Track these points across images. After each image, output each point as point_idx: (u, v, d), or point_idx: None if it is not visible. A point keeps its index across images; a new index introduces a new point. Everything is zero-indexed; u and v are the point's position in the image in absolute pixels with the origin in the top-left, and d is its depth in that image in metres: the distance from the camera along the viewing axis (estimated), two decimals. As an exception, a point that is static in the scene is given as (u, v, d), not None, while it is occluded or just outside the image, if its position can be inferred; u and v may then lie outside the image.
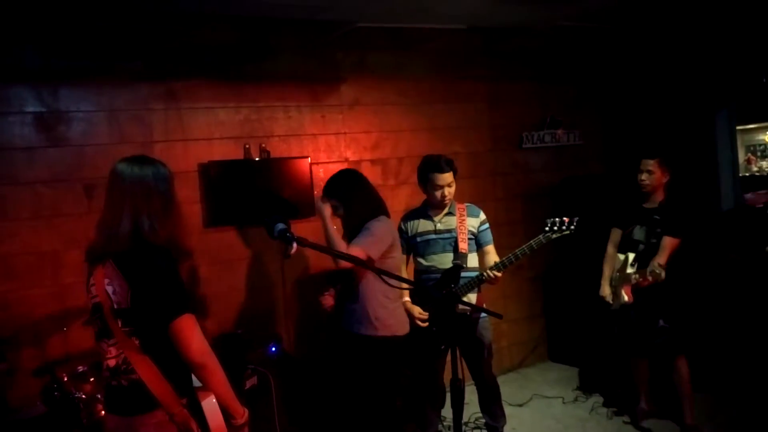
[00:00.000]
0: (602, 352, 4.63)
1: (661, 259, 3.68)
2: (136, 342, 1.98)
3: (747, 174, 5.97)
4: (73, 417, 2.81)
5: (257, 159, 4.15)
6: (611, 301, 3.94)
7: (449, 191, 3.53)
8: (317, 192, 4.33)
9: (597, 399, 4.47)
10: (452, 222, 3.60)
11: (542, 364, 5.37)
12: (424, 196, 3.69)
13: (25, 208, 3.57)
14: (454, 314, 3.29)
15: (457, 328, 3.44)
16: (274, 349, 3.74)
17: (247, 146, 4.13)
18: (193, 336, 1.95)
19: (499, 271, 3.38)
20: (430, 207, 3.66)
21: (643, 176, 3.83)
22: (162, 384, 1.96)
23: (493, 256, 3.60)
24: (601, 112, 5.64)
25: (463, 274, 3.43)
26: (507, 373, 5.15)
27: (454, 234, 3.56)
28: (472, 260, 3.59)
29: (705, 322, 4.41)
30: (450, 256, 3.54)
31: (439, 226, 3.61)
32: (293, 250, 2.26)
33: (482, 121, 5.08)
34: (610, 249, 4.07)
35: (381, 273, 2.50)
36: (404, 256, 3.65)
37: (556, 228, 3.37)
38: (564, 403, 4.50)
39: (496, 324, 5.02)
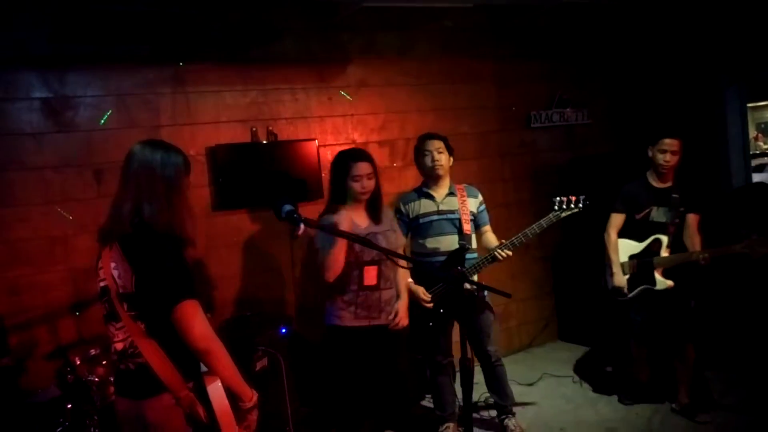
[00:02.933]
0: (614, 336, 4.54)
1: (698, 237, 3.71)
2: (142, 326, 1.98)
3: (757, 152, 5.93)
4: (87, 399, 2.85)
5: (264, 142, 4.14)
6: (627, 291, 3.82)
7: (438, 156, 3.58)
8: (325, 174, 4.33)
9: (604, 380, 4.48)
10: (454, 203, 3.61)
11: (552, 344, 5.38)
12: None
13: (35, 193, 3.59)
14: (463, 294, 3.32)
15: (466, 308, 3.47)
16: (284, 330, 3.76)
17: (254, 129, 4.12)
18: (195, 322, 1.94)
19: (510, 250, 3.39)
20: (428, 184, 3.67)
21: (668, 157, 3.66)
22: (168, 368, 1.97)
23: (491, 236, 3.64)
24: (610, 90, 5.58)
25: (468, 256, 3.48)
26: (516, 353, 5.17)
27: (457, 215, 3.56)
28: (474, 241, 3.62)
29: (718, 300, 4.40)
30: (452, 237, 3.55)
31: (441, 206, 3.61)
32: (301, 231, 2.26)
33: (490, 101, 5.05)
34: (613, 235, 3.90)
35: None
36: (404, 239, 3.63)
37: (564, 206, 3.37)
38: (574, 382, 4.51)
39: (505, 304, 5.06)
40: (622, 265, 3.88)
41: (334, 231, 2.74)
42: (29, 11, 3.51)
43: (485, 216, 3.70)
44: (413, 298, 3.45)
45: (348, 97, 4.43)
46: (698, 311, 3.83)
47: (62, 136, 3.65)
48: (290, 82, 4.27)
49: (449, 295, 3.45)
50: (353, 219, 3.13)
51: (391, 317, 3.25)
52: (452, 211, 3.58)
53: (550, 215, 3.39)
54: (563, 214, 3.37)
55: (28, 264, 3.55)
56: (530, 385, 4.51)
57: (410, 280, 3.50)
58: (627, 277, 3.85)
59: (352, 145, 4.49)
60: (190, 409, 1.97)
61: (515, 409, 3.82)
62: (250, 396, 2.08)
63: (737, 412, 3.80)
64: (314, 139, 4.28)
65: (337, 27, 4.38)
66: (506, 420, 3.75)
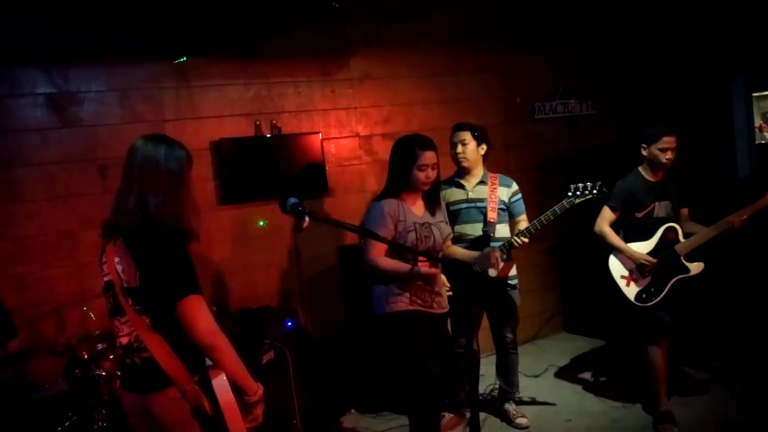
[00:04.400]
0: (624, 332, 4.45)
1: (695, 224, 3.67)
2: (147, 320, 1.98)
3: (763, 142, 5.89)
4: (94, 394, 2.86)
5: (268, 135, 4.14)
6: (654, 263, 3.54)
7: (462, 148, 3.63)
8: (329, 167, 4.33)
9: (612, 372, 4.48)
10: (484, 191, 3.66)
11: (557, 335, 5.39)
12: (443, 167, 3.73)
13: (41, 189, 3.60)
14: (482, 280, 3.35)
15: (487, 293, 3.55)
16: (290, 324, 3.77)
17: (257, 123, 4.12)
18: (199, 317, 1.94)
19: (525, 237, 3.43)
20: (460, 173, 3.74)
21: (669, 155, 3.54)
22: (173, 361, 1.97)
23: (523, 225, 3.65)
24: (615, 81, 5.55)
25: (491, 243, 3.49)
26: (522, 345, 5.14)
27: (484, 203, 3.61)
28: (501, 230, 3.63)
29: (721, 288, 4.39)
30: (480, 225, 3.59)
31: (471, 195, 3.67)
32: (306, 224, 2.25)
33: (494, 93, 5.04)
34: (607, 228, 3.69)
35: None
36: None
37: (579, 193, 3.35)
38: (578, 373, 4.51)
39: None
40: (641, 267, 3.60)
41: (328, 220, 2.61)
42: (31, 7, 3.50)
43: (519, 205, 3.74)
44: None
45: (349, 90, 4.42)
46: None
47: (67, 131, 3.66)
48: (293, 76, 4.26)
49: (466, 284, 3.44)
50: (410, 207, 3.06)
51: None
52: (481, 200, 3.64)
53: (564, 201, 3.41)
54: (577, 200, 3.37)
55: (35, 260, 3.56)
56: (536, 376, 4.52)
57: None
58: (648, 279, 3.59)
59: (356, 139, 4.49)
60: (196, 402, 1.97)
61: (521, 399, 3.84)
62: (255, 390, 2.08)
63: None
64: (318, 133, 4.28)
65: (340, 19, 4.36)
66: (507, 405, 3.83)
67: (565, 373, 4.54)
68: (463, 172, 3.72)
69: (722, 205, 3.78)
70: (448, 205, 3.65)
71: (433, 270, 2.99)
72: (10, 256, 3.50)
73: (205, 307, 1.97)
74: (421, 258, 2.98)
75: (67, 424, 2.82)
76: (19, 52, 3.52)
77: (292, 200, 2.32)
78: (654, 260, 3.55)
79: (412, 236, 2.98)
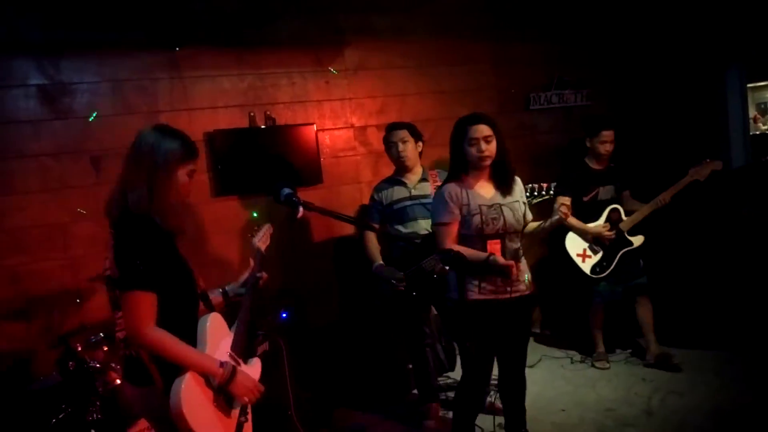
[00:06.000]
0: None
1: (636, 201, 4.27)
2: None
3: (757, 132, 5.90)
4: (89, 385, 2.86)
5: (263, 127, 4.12)
6: (611, 234, 4.15)
7: (403, 146, 3.67)
8: (323, 159, 4.32)
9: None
10: (427, 188, 3.68)
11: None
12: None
13: (33, 181, 3.58)
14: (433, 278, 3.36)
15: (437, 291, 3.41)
16: (285, 315, 3.77)
17: (252, 114, 4.10)
18: (132, 314, 1.90)
19: None
20: (400, 172, 3.76)
21: (608, 146, 4.18)
22: (149, 362, 1.96)
23: None
24: (610, 71, 5.53)
25: None
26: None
27: (429, 199, 3.57)
28: None
29: (716, 275, 4.45)
30: (427, 222, 3.56)
31: (414, 192, 3.69)
32: (300, 214, 2.25)
33: (488, 83, 5.02)
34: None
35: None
36: (376, 225, 3.75)
37: (536, 193, 3.26)
38: (572, 362, 4.53)
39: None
40: (595, 246, 4.23)
41: (320, 210, 2.51)
42: (23, -3, 3.48)
43: None
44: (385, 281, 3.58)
45: (333, 72, 4.38)
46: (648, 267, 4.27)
47: (59, 123, 3.64)
48: (286, 66, 4.24)
49: (420, 279, 3.48)
50: (476, 189, 2.97)
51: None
52: (425, 196, 3.64)
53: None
54: (534, 201, 3.30)
55: (27, 252, 3.55)
56: (530, 367, 4.52)
57: (381, 262, 3.66)
58: (600, 255, 4.21)
59: (351, 130, 4.48)
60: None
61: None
62: (215, 373, 2.00)
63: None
64: (312, 124, 4.26)
65: (333, 8, 4.34)
66: (489, 397, 3.80)
67: (558, 363, 4.56)
68: (403, 170, 3.75)
69: (717, 195, 3.83)
70: (391, 203, 3.68)
71: (510, 262, 2.85)
72: (2, 247, 3.49)
73: (146, 306, 1.91)
74: (494, 241, 2.92)
75: (61, 416, 2.81)
76: (9, 42, 3.49)
77: (287, 191, 2.31)
78: (611, 233, 4.16)
79: (476, 219, 2.91)
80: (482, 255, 2.89)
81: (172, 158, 2.02)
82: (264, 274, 2.60)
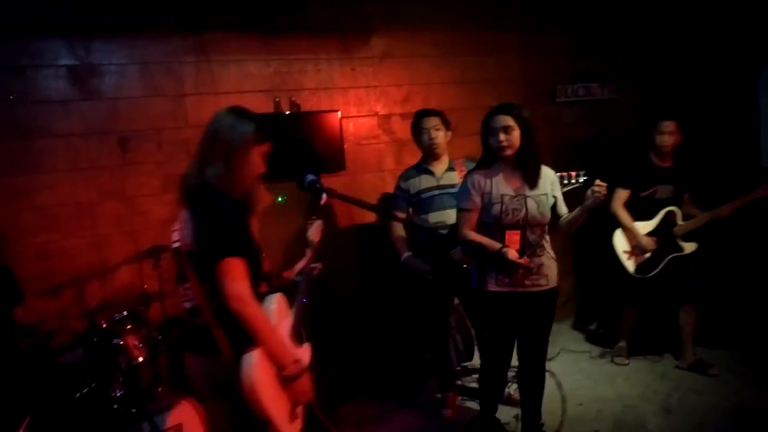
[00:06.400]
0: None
1: (696, 207, 4.07)
2: (206, 288, 2.04)
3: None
4: (112, 361, 2.91)
5: (287, 113, 4.14)
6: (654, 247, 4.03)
7: (435, 133, 3.63)
8: (347, 146, 4.33)
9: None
10: (454, 177, 3.65)
11: (570, 320, 5.37)
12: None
13: (62, 160, 3.64)
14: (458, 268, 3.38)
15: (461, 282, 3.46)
16: (304, 300, 3.79)
17: (277, 100, 4.12)
18: (230, 280, 1.94)
19: None
20: (427, 160, 3.72)
21: (665, 138, 3.95)
22: (219, 331, 2.02)
23: None
24: (638, 65, 5.46)
25: None
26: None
27: (456, 189, 3.52)
28: None
29: (744, 274, 4.42)
30: (454, 211, 3.52)
31: (441, 181, 3.66)
32: (323, 201, 2.27)
33: (515, 74, 4.98)
34: (619, 207, 4.10)
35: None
36: (402, 214, 3.72)
37: (566, 182, 3.26)
38: (591, 357, 4.51)
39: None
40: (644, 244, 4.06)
41: (343, 197, 2.52)
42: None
43: None
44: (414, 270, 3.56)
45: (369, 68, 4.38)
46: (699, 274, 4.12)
47: (88, 103, 3.69)
48: (314, 53, 4.24)
49: (447, 269, 3.49)
50: (503, 179, 2.97)
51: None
52: (452, 186, 3.61)
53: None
54: (565, 189, 3.28)
55: (55, 230, 3.61)
56: (548, 360, 4.51)
57: (410, 253, 3.64)
58: (648, 255, 4.05)
59: (375, 117, 4.48)
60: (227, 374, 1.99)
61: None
62: (287, 364, 2.06)
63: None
64: (337, 111, 4.27)
65: (362, -4, 4.33)
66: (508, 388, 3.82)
67: (576, 357, 4.54)
68: (431, 158, 3.70)
69: (744, 192, 3.77)
70: (419, 192, 3.65)
71: (522, 260, 2.85)
72: (31, 225, 3.55)
73: (240, 272, 1.97)
74: (513, 232, 2.93)
75: (85, 390, 2.87)
76: (42, 23, 3.54)
77: (310, 177, 2.33)
78: (654, 245, 4.02)
79: (496, 208, 2.93)
80: (496, 246, 2.91)
81: (248, 140, 2.11)
82: (319, 265, 2.76)
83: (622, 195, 4.11)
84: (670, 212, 4.04)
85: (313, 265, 2.69)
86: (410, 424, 3.74)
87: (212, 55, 3.96)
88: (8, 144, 3.50)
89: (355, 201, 2.69)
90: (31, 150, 3.56)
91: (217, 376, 2.05)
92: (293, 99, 4.16)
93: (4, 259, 3.33)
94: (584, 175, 3.17)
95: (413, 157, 3.94)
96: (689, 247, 4.02)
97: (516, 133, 2.90)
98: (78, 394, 2.86)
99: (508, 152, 2.92)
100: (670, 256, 4.03)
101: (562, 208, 3.08)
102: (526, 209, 2.93)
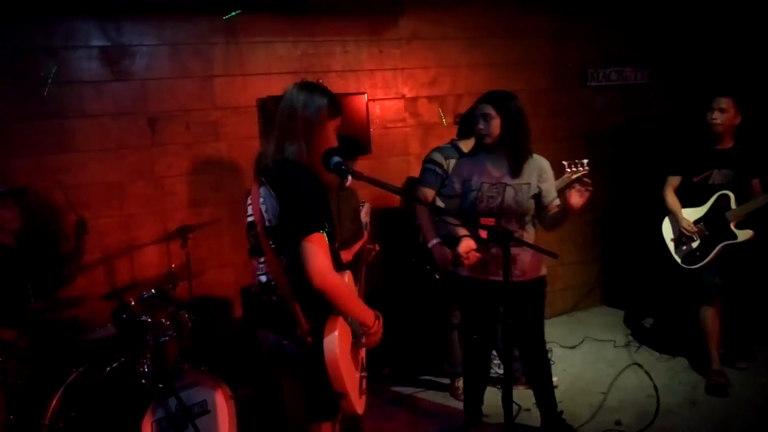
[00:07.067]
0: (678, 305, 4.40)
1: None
2: (284, 261, 2.07)
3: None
4: (140, 338, 2.98)
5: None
6: (696, 236, 3.72)
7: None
8: (373, 129, 4.32)
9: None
10: None
11: (596, 308, 5.33)
12: None
13: (93, 140, 3.70)
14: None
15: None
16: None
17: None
18: (313, 256, 1.94)
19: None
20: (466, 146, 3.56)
21: (715, 114, 3.61)
22: (295, 305, 2.05)
23: None
24: (672, 49, 5.31)
25: None
26: (560, 316, 5.14)
27: None
28: None
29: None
30: None
31: None
32: (348, 183, 2.26)
33: (545, 57, 4.90)
34: (670, 194, 3.86)
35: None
36: (432, 191, 3.49)
37: (572, 168, 3.17)
38: (615, 346, 4.46)
39: (551, 267, 4.99)
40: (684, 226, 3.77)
41: (369, 180, 2.55)
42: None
43: None
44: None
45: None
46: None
47: (119, 84, 3.74)
48: (341, 34, 4.23)
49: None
50: (489, 166, 2.98)
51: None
52: None
53: (564, 176, 3.21)
54: (574, 177, 3.19)
55: (87, 208, 3.67)
56: (572, 348, 4.49)
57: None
58: (697, 243, 3.75)
59: (401, 100, 4.45)
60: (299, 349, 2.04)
61: (556, 369, 3.83)
62: (371, 324, 2.14)
63: None
64: (364, 93, 4.25)
65: (390, -23, 4.29)
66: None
67: (601, 346, 4.50)
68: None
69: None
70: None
71: (469, 255, 2.91)
72: (63, 203, 3.63)
73: (323, 248, 1.98)
74: (487, 219, 2.93)
75: (115, 365, 2.95)
76: (74, 4, 3.58)
77: (336, 159, 2.32)
78: (695, 228, 3.72)
79: (472, 195, 2.97)
80: (460, 233, 2.99)
81: (324, 113, 2.13)
82: (376, 246, 2.81)
83: (672, 181, 3.86)
84: (722, 196, 3.69)
85: (369, 246, 2.73)
86: (428, 408, 3.76)
87: (241, 36, 3.97)
88: (41, 123, 3.58)
89: (380, 183, 2.66)
90: (64, 130, 3.63)
91: (292, 350, 2.09)
92: (320, 81, 4.13)
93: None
94: (587, 164, 3.13)
95: (439, 140, 3.91)
96: (743, 234, 3.66)
97: (496, 122, 2.90)
98: (108, 369, 2.93)
99: (487, 140, 2.94)
100: (723, 243, 3.68)
101: (548, 199, 3.01)
102: (503, 197, 2.93)
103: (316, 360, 2.01)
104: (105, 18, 3.67)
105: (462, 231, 3.00)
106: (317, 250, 1.95)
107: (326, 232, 2.01)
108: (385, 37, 4.36)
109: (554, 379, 3.82)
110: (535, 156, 3.03)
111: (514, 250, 2.93)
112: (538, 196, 2.99)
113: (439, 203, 3.42)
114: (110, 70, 3.71)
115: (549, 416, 3.24)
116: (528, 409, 3.55)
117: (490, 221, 2.93)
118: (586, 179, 2.76)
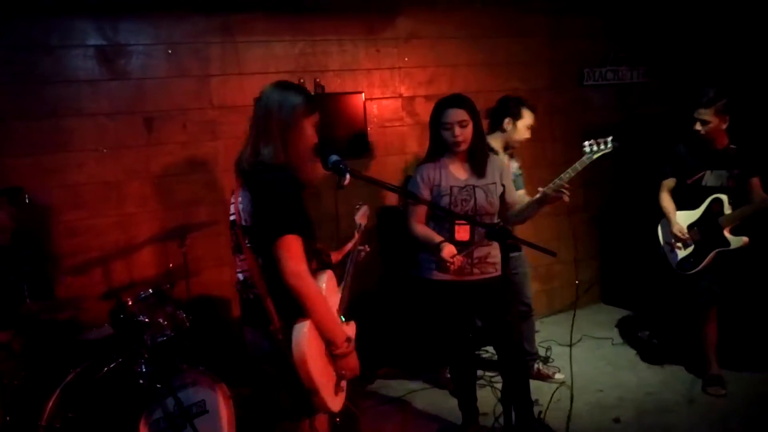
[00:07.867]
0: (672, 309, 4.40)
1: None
2: (260, 261, 2.09)
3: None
4: (138, 338, 2.97)
5: (312, 94, 4.12)
6: (688, 238, 3.64)
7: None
8: (370, 128, 4.32)
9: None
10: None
11: (594, 306, 5.34)
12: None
13: (90, 139, 3.69)
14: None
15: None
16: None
17: (301, 81, 4.10)
18: (289, 258, 1.97)
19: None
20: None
21: (697, 126, 3.52)
22: (270, 304, 2.06)
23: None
24: (668, 49, 5.32)
25: None
26: (557, 314, 5.15)
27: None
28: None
29: None
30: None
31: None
32: (346, 182, 2.26)
33: (542, 56, 4.90)
34: (665, 197, 3.79)
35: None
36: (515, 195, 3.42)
37: (596, 148, 3.15)
38: (613, 344, 4.47)
39: (548, 265, 5.02)
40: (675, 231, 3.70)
41: (367, 179, 2.55)
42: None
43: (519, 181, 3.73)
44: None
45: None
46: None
47: (115, 83, 3.72)
48: (339, 33, 4.22)
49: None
50: (452, 171, 3.00)
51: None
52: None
53: (584, 158, 3.20)
54: (595, 156, 3.17)
55: (84, 208, 3.68)
56: (570, 345, 4.48)
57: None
58: (691, 248, 3.67)
59: (399, 99, 4.45)
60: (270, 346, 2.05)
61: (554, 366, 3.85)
62: (339, 343, 2.10)
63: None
64: (361, 92, 4.24)
65: (387, -24, 4.28)
66: (536, 365, 3.94)
67: (598, 344, 4.51)
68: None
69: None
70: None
71: (454, 260, 2.86)
72: (61, 203, 3.62)
73: (298, 249, 2.00)
74: (460, 222, 2.94)
75: (112, 365, 2.94)
76: (71, 3, 3.57)
77: (334, 158, 2.32)
78: (687, 234, 3.65)
79: (445, 200, 2.96)
80: (436, 239, 2.94)
81: (299, 112, 2.13)
82: (366, 247, 2.80)
83: (667, 184, 3.80)
84: (715, 200, 3.59)
85: (360, 247, 2.73)
86: (425, 408, 3.76)
87: (238, 35, 3.96)
88: (39, 123, 3.56)
89: (378, 182, 2.67)
90: (61, 129, 3.62)
91: (266, 346, 2.10)
92: (318, 80, 4.15)
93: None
94: (612, 141, 3.08)
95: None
96: (736, 241, 3.55)
97: (470, 127, 2.91)
98: (105, 369, 2.92)
99: (463, 147, 2.93)
100: (716, 250, 3.59)
101: (512, 196, 3.06)
102: (475, 199, 2.94)
103: (286, 356, 2.02)
104: (101, 17, 3.65)
105: (437, 237, 2.96)
106: (291, 253, 1.98)
107: (301, 233, 2.02)
108: (383, 36, 4.35)
109: (559, 375, 3.87)
110: (491, 155, 3.06)
111: (487, 248, 2.99)
112: (501, 194, 3.03)
113: None
114: (107, 69, 3.70)
115: (525, 414, 3.13)
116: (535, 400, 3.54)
117: (465, 223, 2.94)
118: (563, 189, 2.84)
